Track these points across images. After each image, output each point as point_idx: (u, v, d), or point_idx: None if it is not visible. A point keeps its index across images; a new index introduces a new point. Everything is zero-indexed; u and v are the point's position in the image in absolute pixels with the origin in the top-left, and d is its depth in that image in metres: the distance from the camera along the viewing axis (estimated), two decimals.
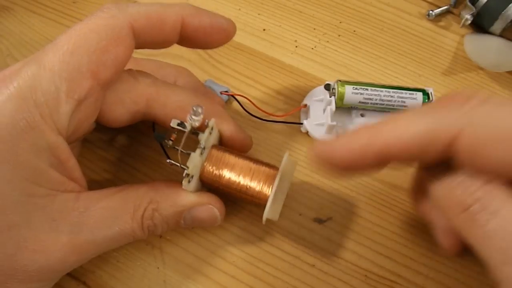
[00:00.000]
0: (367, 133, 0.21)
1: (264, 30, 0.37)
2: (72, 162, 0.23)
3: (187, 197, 0.25)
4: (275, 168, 0.25)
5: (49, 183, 0.21)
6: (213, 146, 0.26)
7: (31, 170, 0.21)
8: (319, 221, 0.29)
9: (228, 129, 0.27)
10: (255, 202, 0.25)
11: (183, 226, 0.25)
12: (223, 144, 0.28)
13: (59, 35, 0.22)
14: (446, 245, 0.23)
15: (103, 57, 0.22)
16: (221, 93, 0.32)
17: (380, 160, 0.21)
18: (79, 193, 0.23)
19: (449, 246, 0.23)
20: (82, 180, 0.23)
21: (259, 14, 0.38)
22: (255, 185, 0.25)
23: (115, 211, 0.23)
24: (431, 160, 0.21)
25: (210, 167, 0.25)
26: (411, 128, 0.20)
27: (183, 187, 0.24)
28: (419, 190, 0.25)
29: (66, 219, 0.22)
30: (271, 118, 0.32)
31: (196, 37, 0.25)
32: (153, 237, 0.27)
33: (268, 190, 0.25)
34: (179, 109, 0.25)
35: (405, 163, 0.24)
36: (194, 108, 0.23)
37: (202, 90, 0.30)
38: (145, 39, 0.24)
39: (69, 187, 0.22)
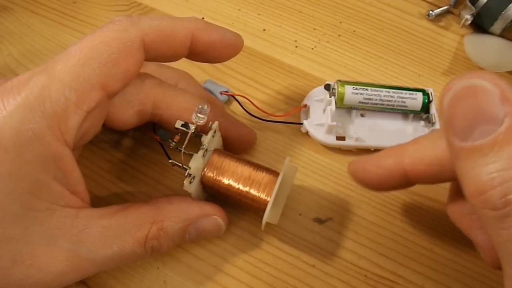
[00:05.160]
0: (392, 154, 0.23)
1: (264, 30, 0.37)
2: (76, 174, 0.22)
3: (190, 210, 0.25)
4: (275, 173, 0.26)
5: (50, 196, 0.21)
6: (215, 150, 0.26)
7: (33, 182, 0.21)
8: (319, 221, 0.29)
9: (233, 128, 0.28)
10: (255, 206, 0.25)
11: (188, 241, 0.25)
12: (228, 143, 0.28)
13: (70, 46, 0.22)
14: (488, 260, 0.22)
15: (113, 69, 0.22)
16: (221, 93, 0.32)
17: (406, 181, 0.22)
18: (79, 209, 0.22)
19: (491, 261, 0.22)
20: (85, 195, 0.23)
21: (259, 14, 0.38)
22: (256, 190, 0.25)
23: (115, 231, 0.23)
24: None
25: (212, 171, 0.25)
26: (430, 149, 0.21)
27: (184, 187, 0.24)
28: (457, 203, 0.24)
29: (65, 236, 0.21)
30: (271, 118, 0.32)
31: (205, 52, 0.26)
32: None
33: (268, 195, 0.25)
34: (184, 110, 0.26)
35: (432, 182, 0.23)
36: (200, 106, 0.24)
37: (203, 94, 0.30)
38: (155, 53, 0.24)
39: (70, 201, 0.22)
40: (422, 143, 0.22)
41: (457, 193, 0.24)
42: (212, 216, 0.25)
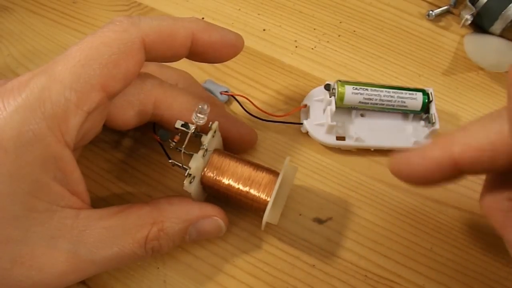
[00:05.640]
0: (439, 144, 0.21)
1: (264, 30, 0.37)
2: (76, 175, 0.22)
3: (191, 211, 0.25)
4: (275, 173, 0.26)
5: (50, 197, 0.21)
6: (215, 150, 0.26)
7: (33, 183, 0.21)
8: (319, 221, 0.29)
9: (234, 128, 0.28)
10: (255, 207, 0.25)
11: (188, 241, 0.25)
12: (229, 143, 0.28)
13: (71, 46, 0.22)
14: None
15: (113, 70, 0.22)
16: (221, 93, 0.33)
17: (456, 172, 0.21)
18: (80, 210, 0.22)
19: None
20: (85, 195, 0.23)
21: (259, 14, 0.38)
22: (256, 190, 0.25)
23: (115, 232, 0.23)
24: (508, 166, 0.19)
25: (212, 171, 0.25)
26: (481, 133, 0.20)
27: (184, 187, 0.24)
28: (494, 198, 0.23)
29: (65, 237, 0.21)
30: (271, 118, 0.32)
31: (206, 52, 0.26)
32: None
33: (268, 195, 0.25)
34: (185, 110, 0.26)
35: (485, 171, 0.22)
36: (200, 106, 0.24)
37: (203, 94, 0.30)
38: (156, 54, 0.24)
39: (70, 202, 0.22)
40: (471, 128, 0.20)
41: (496, 188, 0.22)
42: (213, 217, 0.25)
